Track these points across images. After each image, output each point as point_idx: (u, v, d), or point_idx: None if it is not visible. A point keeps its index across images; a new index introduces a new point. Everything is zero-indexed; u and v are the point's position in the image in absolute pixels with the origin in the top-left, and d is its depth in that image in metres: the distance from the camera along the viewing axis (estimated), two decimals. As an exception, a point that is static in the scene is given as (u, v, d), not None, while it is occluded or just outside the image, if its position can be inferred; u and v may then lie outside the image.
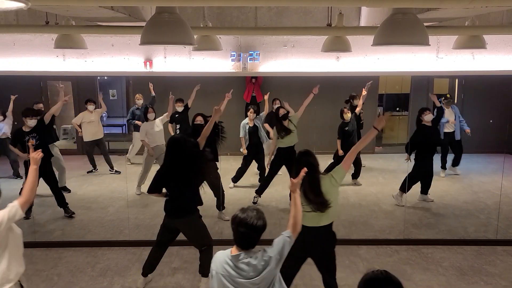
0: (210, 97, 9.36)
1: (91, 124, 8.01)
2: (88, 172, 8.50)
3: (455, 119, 8.09)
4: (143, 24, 3.06)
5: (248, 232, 2.48)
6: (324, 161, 7.85)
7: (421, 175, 6.76)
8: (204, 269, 4.49)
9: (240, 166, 7.36)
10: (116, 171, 8.38)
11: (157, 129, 7.20)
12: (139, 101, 8.59)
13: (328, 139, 7.76)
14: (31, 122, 5.96)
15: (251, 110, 7.40)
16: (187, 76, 6.64)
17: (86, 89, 9.89)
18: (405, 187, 6.75)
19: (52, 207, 6.52)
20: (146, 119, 7.21)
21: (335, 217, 3.77)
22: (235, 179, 7.43)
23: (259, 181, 7.51)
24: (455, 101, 10.76)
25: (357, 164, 7.81)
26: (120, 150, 9.10)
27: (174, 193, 4.28)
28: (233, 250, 2.56)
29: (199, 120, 5.90)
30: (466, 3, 2.70)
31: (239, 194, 7.27)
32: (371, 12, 5.29)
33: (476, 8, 3.43)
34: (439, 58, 6.07)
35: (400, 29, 2.65)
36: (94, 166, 8.48)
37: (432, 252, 5.46)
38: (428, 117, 6.58)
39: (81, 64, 6.01)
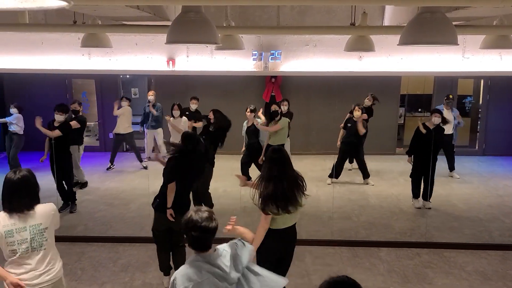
0: (230, 96, 9.43)
1: (121, 117, 8.41)
2: (107, 169, 8.70)
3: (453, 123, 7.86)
4: (167, 23, 3.10)
5: (202, 235, 2.45)
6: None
7: (417, 177, 6.69)
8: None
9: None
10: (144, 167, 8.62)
11: (180, 126, 7.27)
12: (151, 97, 8.72)
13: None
14: (58, 117, 6.13)
15: (248, 109, 7.24)
16: (209, 75, 6.68)
17: (109, 87, 10.09)
18: (413, 193, 6.76)
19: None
20: (172, 115, 7.35)
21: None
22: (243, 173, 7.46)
23: None
24: (480, 102, 10.53)
25: (361, 164, 7.83)
26: (141, 147, 9.23)
27: (179, 189, 4.33)
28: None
29: (209, 116, 6.17)
30: (497, 2, 2.63)
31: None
32: (395, 12, 5.22)
33: (506, 7, 3.34)
34: (465, 58, 5.94)
35: (428, 28, 2.60)
36: (112, 162, 8.73)
37: (455, 256, 5.35)
38: (435, 120, 6.42)
39: (105, 62, 6.12)
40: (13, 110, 8.00)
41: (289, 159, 3.54)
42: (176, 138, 7.20)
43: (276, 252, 3.61)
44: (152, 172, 8.58)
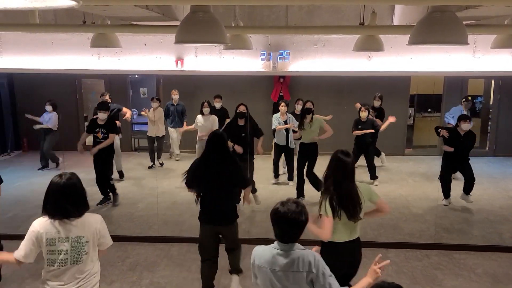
0: (239, 96, 9.43)
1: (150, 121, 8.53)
2: (149, 168, 8.80)
3: None
4: (176, 23, 3.10)
5: (289, 228, 2.33)
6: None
7: (449, 176, 6.74)
8: (235, 268, 4.41)
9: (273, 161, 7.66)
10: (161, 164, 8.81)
11: (207, 123, 7.33)
12: (175, 96, 8.77)
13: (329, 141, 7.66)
14: (102, 115, 6.49)
15: (283, 104, 7.46)
16: (217, 75, 6.69)
17: (118, 87, 10.16)
18: (444, 193, 6.76)
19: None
20: (201, 112, 7.39)
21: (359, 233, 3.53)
22: (274, 173, 7.76)
23: (288, 178, 7.64)
24: (491, 102, 10.41)
25: (371, 165, 7.91)
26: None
27: (212, 195, 4.07)
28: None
29: (242, 109, 6.39)
30: (509, 1, 2.60)
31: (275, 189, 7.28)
32: (404, 11, 5.18)
33: (518, 6, 3.30)
34: (475, 58, 5.87)
35: (438, 28, 2.57)
36: (152, 161, 8.82)
37: (465, 258, 5.29)
38: (465, 126, 6.46)
39: (114, 62, 6.15)
40: (48, 107, 8.23)
41: (353, 169, 3.40)
42: (201, 133, 7.30)
43: (340, 268, 3.30)
44: (160, 171, 8.64)
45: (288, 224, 2.32)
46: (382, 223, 6.20)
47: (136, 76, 10.80)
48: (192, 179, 4.07)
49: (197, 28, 2.75)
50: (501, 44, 4.65)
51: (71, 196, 2.74)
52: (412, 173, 8.48)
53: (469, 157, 6.70)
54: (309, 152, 6.96)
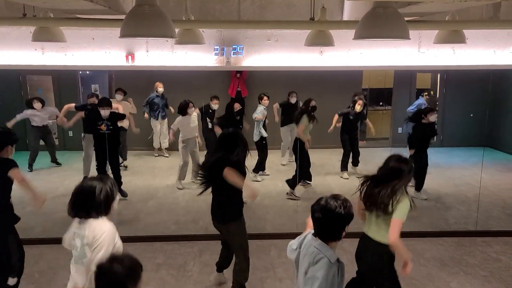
0: (194, 92, 9.32)
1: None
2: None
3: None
4: (124, 17, 3.00)
5: (335, 223, 2.48)
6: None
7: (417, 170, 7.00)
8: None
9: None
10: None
11: (193, 124, 7.35)
12: (160, 89, 8.74)
13: (314, 134, 7.77)
14: (105, 112, 6.51)
15: (265, 98, 7.90)
16: (170, 70, 6.57)
17: (67, 84, 9.76)
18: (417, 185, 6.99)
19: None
20: (185, 113, 7.26)
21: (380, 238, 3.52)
22: (257, 170, 7.93)
23: (253, 170, 7.74)
24: (437, 95, 10.94)
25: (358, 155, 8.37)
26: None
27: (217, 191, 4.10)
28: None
29: (237, 107, 6.85)
30: (445, -3, 2.72)
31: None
32: (354, 7, 5.30)
33: (456, 2, 3.47)
34: (420, 53, 6.13)
35: (380, 23, 2.66)
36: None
37: (414, 244, 5.54)
38: (432, 118, 6.85)
39: (60, 58, 5.87)
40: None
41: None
42: (187, 133, 7.29)
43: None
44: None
45: (321, 214, 2.48)
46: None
47: (88, 72, 10.39)
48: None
49: (143, 22, 2.68)
50: (443, 40, 4.88)
51: (81, 198, 2.86)
52: (365, 165, 8.74)
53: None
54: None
